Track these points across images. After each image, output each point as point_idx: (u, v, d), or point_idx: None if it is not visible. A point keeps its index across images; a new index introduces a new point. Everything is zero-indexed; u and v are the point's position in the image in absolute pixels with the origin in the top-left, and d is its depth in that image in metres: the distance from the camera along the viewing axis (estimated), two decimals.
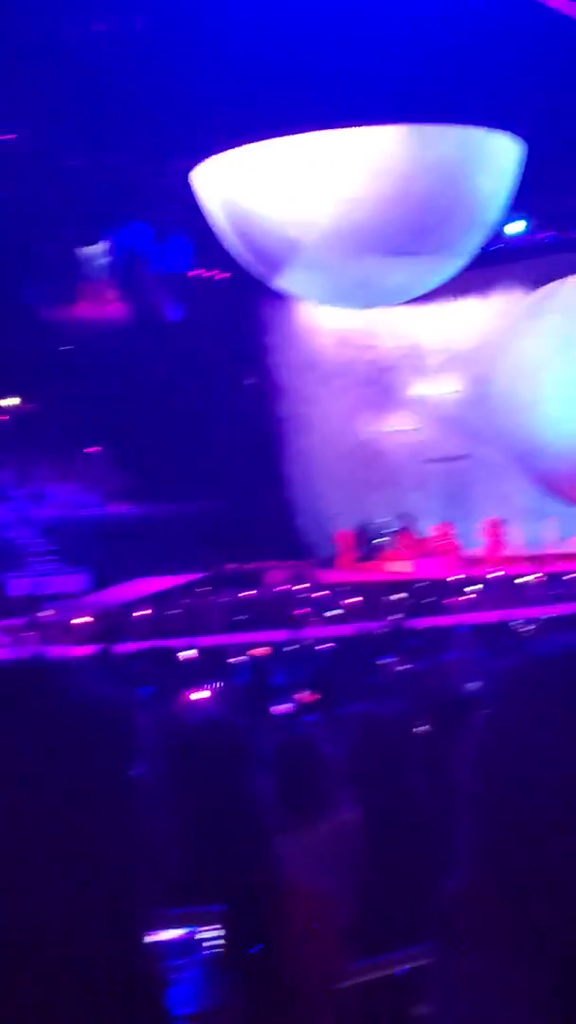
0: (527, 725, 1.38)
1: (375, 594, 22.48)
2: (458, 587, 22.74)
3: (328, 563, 26.93)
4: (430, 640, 14.83)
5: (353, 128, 20.82)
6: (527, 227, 26.85)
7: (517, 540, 25.67)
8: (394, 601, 21.53)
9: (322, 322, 29.10)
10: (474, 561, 25.27)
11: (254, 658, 12.35)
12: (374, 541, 26.97)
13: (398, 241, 21.19)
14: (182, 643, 14.56)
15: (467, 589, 22.46)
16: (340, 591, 22.98)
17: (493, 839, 1.35)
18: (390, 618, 18.61)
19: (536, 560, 24.44)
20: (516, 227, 26.55)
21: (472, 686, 6.70)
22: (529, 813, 1.32)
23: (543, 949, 1.29)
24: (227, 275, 26.47)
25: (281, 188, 21.19)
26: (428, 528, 26.40)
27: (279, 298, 26.73)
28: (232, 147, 21.31)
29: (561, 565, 23.99)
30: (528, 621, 16.13)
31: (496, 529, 25.64)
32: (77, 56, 20.97)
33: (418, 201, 20.79)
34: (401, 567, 25.28)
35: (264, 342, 29.45)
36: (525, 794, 1.34)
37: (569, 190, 25.68)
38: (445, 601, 21.81)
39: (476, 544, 26.24)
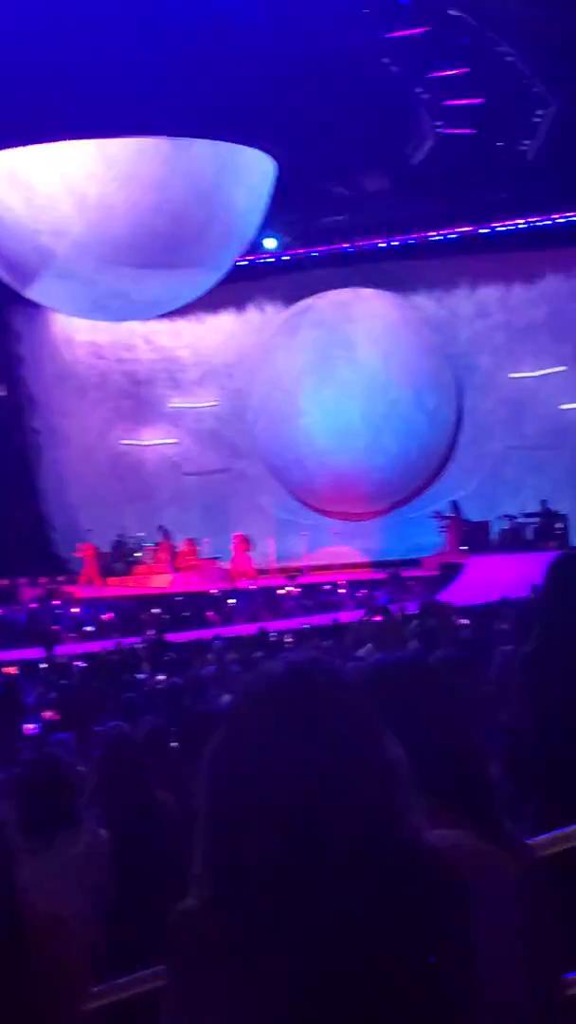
0: (262, 739, 1.36)
1: (131, 609, 22.35)
2: (214, 600, 22.86)
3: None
4: (186, 654, 14.85)
5: (105, 138, 20.74)
6: (281, 243, 27.23)
7: (271, 553, 25.94)
8: (150, 615, 21.46)
9: (77, 333, 28.75)
10: (228, 574, 25.40)
11: (4, 676, 12.06)
12: (131, 555, 26.77)
13: (152, 253, 21.16)
14: None
15: (228, 602, 22.60)
16: (96, 606, 22.75)
17: (225, 856, 1.33)
18: (146, 633, 18.52)
19: (289, 572, 24.79)
20: (270, 243, 26.90)
21: (225, 699, 6.72)
22: (261, 828, 1.30)
23: (274, 968, 1.27)
24: None
25: (32, 196, 20.87)
26: (180, 543, 26.36)
27: (32, 308, 26.27)
28: None
29: (314, 576, 24.44)
30: (283, 632, 16.35)
31: (242, 543, 25.72)
32: None
33: (171, 213, 20.84)
34: (158, 581, 25.18)
35: (16, 352, 28.86)
36: (258, 808, 1.31)
37: (322, 207, 26.20)
38: (202, 614, 21.87)
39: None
